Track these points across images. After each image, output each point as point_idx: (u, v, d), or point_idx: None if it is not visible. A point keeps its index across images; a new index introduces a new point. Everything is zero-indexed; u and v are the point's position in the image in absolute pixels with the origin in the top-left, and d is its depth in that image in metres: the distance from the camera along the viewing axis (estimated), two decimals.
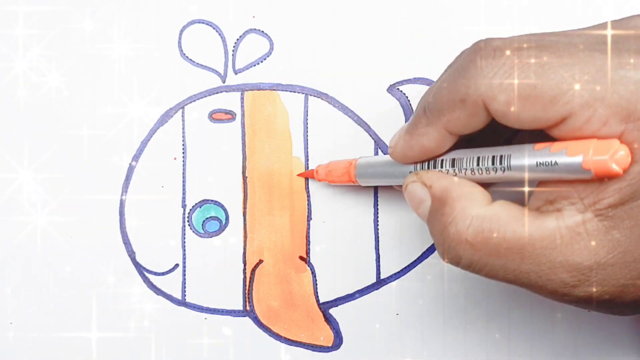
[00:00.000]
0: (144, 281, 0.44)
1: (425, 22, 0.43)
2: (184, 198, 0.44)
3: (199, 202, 0.44)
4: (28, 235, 0.44)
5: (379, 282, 0.44)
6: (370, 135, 0.44)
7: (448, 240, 0.33)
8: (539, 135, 0.32)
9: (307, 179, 0.44)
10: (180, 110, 0.44)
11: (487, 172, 0.33)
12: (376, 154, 0.44)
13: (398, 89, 0.43)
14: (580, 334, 0.44)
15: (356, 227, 0.44)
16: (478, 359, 0.44)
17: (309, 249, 0.44)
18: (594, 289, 0.31)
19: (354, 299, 0.44)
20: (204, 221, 0.44)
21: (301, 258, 0.44)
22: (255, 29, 0.44)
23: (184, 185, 0.44)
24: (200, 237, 0.44)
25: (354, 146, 0.44)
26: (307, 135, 0.44)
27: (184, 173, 0.44)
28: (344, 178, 0.41)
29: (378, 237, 0.44)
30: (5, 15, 0.44)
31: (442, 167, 0.35)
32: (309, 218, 0.44)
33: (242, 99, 0.44)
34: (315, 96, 0.44)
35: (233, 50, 0.44)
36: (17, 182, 0.44)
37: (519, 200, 0.33)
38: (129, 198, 0.44)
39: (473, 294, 0.44)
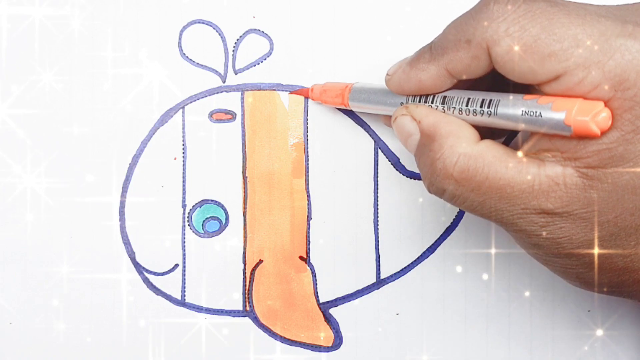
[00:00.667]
0: (144, 281, 0.44)
1: (425, 22, 0.44)
2: (184, 198, 0.44)
3: (199, 202, 0.44)
4: (28, 234, 0.44)
5: (379, 282, 0.44)
6: (370, 135, 0.44)
7: (435, 174, 0.34)
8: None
9: (307, 179, 0.44)
10: (180, 110, 0.44)
11: (475, 114, 0.34)
12: (376, 154, 0.44)
13: None
14: (580, 333, 0.44)
15: (356, 227, 0.44)
16: (478, 359, 0.44)
17: (309, 249, 0.44)
18: (560, 234, 0.33)
19: (354, 299, 0.44)
20: (204, 221, 0.44)
21: (301, 258, 0.44)
22: (255, 29, 0.44)
23: (184, 185, 0.44)
24: (200, 237, 0.44)
25: (354, 146, 0.44)
26: (307, 136, 0.44)
27: (184, 173, 0.44)
28: (337, 100, 0.42)
29: (378, 237, 0.44)
30: (9, 19, 0.44)
31: (432, 102, 0.36)
32: (309, 218, 0.44)
33: (242, 99, 0.44)
34: None
35: (233, 50, 0.44)
36: (17, 182, 0.44)
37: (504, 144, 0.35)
38: (129, 198, 0.44)
39: (473, 294, 0.44)
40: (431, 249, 0.44)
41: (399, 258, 0.44)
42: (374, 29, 0.44)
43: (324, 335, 0.44)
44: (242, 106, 0.44)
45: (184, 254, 0.44)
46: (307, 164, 0.44)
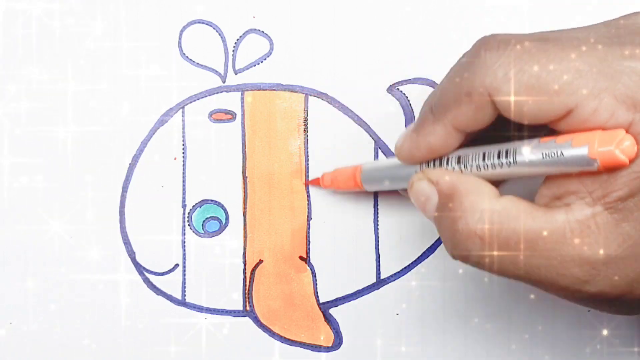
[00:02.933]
0: (144, 281, 0.44)
1: (425, 22, 0.43)
2: (184, 198, 0.44)
3: (199, 202, 0.44)
4: (28, 235, 0.44)
5: (379, 282, 0.44)
6: (370, 135, 0.44)
7: (457, 235, 0.32)
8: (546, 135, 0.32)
9: (306, 179, 0.44)
10: (180, 110, 0.44)
11: (494, 167, 0.33)
12: (376, 154, 0.44)
13: (398, 89, 0.43)
14: (580, 333, 0.44)
15: (356, 227, 0.44)
16: (478, 359, 0.44)
17: (309, 249, 0.44)
18: (606, 284, 0.31)
19: (354, 299, 0.44)
20: (204, 221, 0.44)
21: (301, 258, 0.44)
22: (255, 29, 0.44)
23: (184, 185, 0.44)
24: (200, 237, 0.44)
25: (354, 146, 0.44)
26: (307, 136, 0.44)
27: (184, 173, 0.44)
28: (349, 184, 0.41)
29: (378, 237, 0.44)
30: (6, 16, 0.44)
31: (447, 164, 0.35)
32: (309, 218, 0.44)
33: (242, 99, 0.44)
34: (315, 96, 0.44)
35: (233, 50, 0.44)
36: (17, 182, 0.44)
37: (526, 197, 0.33)
38: (129, 198, 0.44)
39: (473, 294, 0.44)
40: (431, 249, 0.44)
41: (399, 258, 0.44)
42: (374, 29, 0.44)
43: (324, 335, 0.44)
44: (242, 106, 0.44)
45: (184, 254, 0.44)
46: (307, 164, 0.44)
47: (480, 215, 0.32)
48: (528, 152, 0.32)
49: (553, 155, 0.31)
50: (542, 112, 0.31)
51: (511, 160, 0.32)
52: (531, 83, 0.30)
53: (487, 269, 0.32)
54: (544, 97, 0.30)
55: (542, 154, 0.31)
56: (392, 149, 0.43)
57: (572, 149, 0.30)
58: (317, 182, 0.43)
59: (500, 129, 0.33)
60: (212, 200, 0.44)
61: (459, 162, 0.34)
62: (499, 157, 0.33)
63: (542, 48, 0.31)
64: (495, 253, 0.32)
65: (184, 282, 0.44)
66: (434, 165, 0.35)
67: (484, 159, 0.33)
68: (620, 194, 0.30)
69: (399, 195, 0.44)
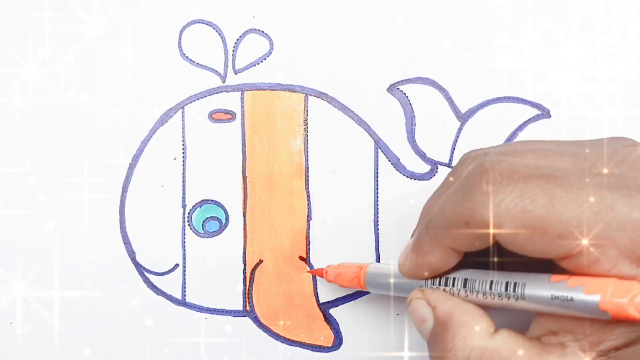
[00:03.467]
0: (144, 281, 0.44)
1: (426, 22, 0.43)
2: (184, 198, 0.44)
3: (199, 202, 0.44)
4: (27, 234, 0.44)
5: None
6: (370, 135, 0.44)
7: None
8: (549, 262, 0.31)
9: (307, 179, 0.44)
10: (180, 110, 0.44)
11: (500, 297, 0.33)
12: (376, 154, 0.44)
13: (398, 89, 0.43)
14: None
15: (356, 227, 0.44)
16: None
17: (309, 249, 0.44)
18: None
19: (354, 299, 0.44)
20: (204, 221, 0.44)
21: (301, 258, 0.44)
22: (255, 29, 0.44)
23: (184, 185, 0.44)
24: (200, 237, 0.44)
25: (354, 146, 0.44)
26: (307, 136, 0.44)
27: (184, 173, 0.44)
28: (353, 283, 0.40)
29: (378, 237, 0.44)
30: (9, 16, 0.44)
31: (453, 285, 0.34)
32: (309, 218, 0.44)
33: (242, 99, 0.44)
34: (315, 96, 0.44)
35: (233, 50, 0.44)
36: (17, 182, 0.44)
37: (523, 323, 0.33)
38: (129, 198, 0.44)
39: None
40: None
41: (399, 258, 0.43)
42: (374, 29, 0.43)
43: (324, 335, 0.44)
44: (242, 106, 0.44)
45: (184, 254, 0.44)
46: (307, 164, 0.44)
47: (471, 353, 0.32)
48: (537, 290, 0.31)
49: (563, 298, 0.30)
50: (543, 253, 0.30)
51: (518, 295, 0.32)
52: (534, 225, 0.30)
53: None
54: (546, 240, 0.30)
55: (552, 295, 0.31)
56: (392, 149, 0.43)
57: (584, 295, 0.30)
58: (320, 274, 0.42)
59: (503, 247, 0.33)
60: (212, 200, 0.44)
61: (465, 285, 0.34)
62: (506, 288, 0.32)
63: (547, 189, 0.30)
64: None
65: (184, 282, 0.44)
66: (439, 283, 0.35)
67: (490, 287, 0.33)
68: (616, 344, 0.30)
69: (399, 195, 0.43)
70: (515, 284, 0.32)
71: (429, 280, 0.36)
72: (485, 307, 0.34)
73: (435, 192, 0.37)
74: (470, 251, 0.33)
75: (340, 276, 0.41)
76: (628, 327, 0.30)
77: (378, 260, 0.43)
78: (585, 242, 0.29)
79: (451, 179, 0.36)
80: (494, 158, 0.32)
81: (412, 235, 0.37)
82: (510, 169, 0.31)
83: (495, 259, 0.34)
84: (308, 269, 0.44)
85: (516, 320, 0.35)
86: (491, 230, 0.31)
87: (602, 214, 0.29)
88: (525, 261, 0.32)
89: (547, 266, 0.32)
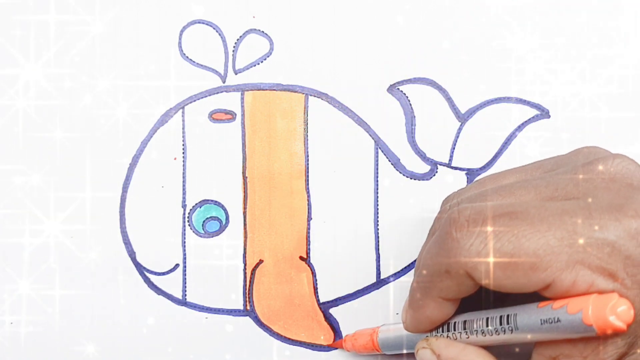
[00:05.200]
0: (145, 281, 0.44)
1: (426, 22, 0.43)
2: (184, 198, 0.44)
3: (199, 202, 0.44)
4: (28, 235, 0.44)
5: (379, 282, 0.44)
6: (370, 135, 0.44)
7: None
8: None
9: (307, 179, 0.44)
10: (180, 110, 0.44)
11: (497, 332, 0.34)
12: (376, 154, 0.44)
13: (398, 89, 0.43)
14: None
15: (356, 227, 0.44)
16: None
17: (309, 249, 0.44)
18: None
19: (354, 299, 0.44)
20: (204, 221, 0.44)
21: (301, 258, 0.44)
22: (255, 29, 0.44)
23: (184, 185, 0.44)
24: (201, 237, 0.44)
25: (354, 146, 0.44)
26: (307, 135, 0.44)
27: (184, 173, 0.44)
28: (368, 346, 0.41)
29: (378, 237, 0.44)
30: (9, 16, 0.44)
31: (455, 329, 0.36)
32: (309, 218, 0.44)
33: (242, 99, 0.44)
34: (315, 96, 0.44)
35: (233, 50, 0.44)
36: (17, 182, 0.44)
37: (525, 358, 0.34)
38: (129, 198, 0.44)
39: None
40: None
41: (399, 258, 0.44)
42: (374, 29, 0.43)
43: (324, 335, 0.44)
44: (242, 106, 0.44)
45: (184, 254, 0.44)
46: (307, 164, 0.44)
47: None
48: (527, 318, 0.32)
49: (550, 320, 0.31)
50: (521, 287, 0.31)
51: (512, 326, 0.33)
52: (505, 262, 0.31)
53: None
54: (520, 274, 0.31)
55: (541, 320, 0.31)
56: (392, 149, 0.44)
57: (568, 315, 0.30)
58: (340, 345, 0.43)
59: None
60: (212, 201, 0.44)
61: (464, 327, 0.35)
62: (500, 322, 0.33)
63: (511, 225, 0.31)
64: None
65: (184, 282, 0.44)
66: (442, 330, 0.36)
67: (487, 324, 0.34)
68: (614, 355, 0.31)
69: (399, 195, 0.44)
70: (508, 316, 0.33)
71: (433, 331, 0.37)
72: (487, 347, 0.35)
73: (425, 241, 0.39)
74: (462, 297, 0.35)
75: (357, 343, 0.42)
76: (619, 342, 0.30)
77: (378, 260, 0.44)
78: (556, 268, 0.30)
79: (432, 231, 0.38)
80: (461, 207, 0.33)
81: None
82: (475, 214, 0.32)
83: (491, 298, 0.36)
84: (308, 268, 0.44)
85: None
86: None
87: (566, 239, 0.30)
88: (519, 296, 0.33)
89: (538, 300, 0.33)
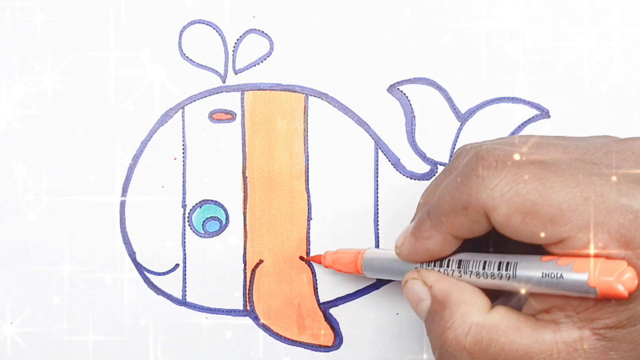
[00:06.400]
0: (144, 281, 0.44)
1: (425, 22, 0.43)
2: (184, 198, 0.44)
3: (199, 202, 0.44)
4: (28, 235, 0.44)
5: (379, 282, 0.44)
6: (370, 135, 0.44)
7: (445, 345, 0.33)
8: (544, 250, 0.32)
9: (307, 179, 0.44)
10: (180, 110, 0.44)
11: (492, 277, 0.33)
12: (376, 154, 0.44)
13: (398, 89, 0.43)
14: None
15: (356, 227, 0.44)
16: None
17: (309, 249, 0.44)
18: None
19: (354, 299, 0.44)
20: (204, 221, 0.44)
21: (301, 258, 0.44)
22: (255, 29, 0.44)
23: (184, 185, 0.44)
24: (201, 237, 0.44)
25: (354, 146, 0.44)
26: (307, 135, 0.44)
27: (184, 173, 0.44)
28: (350, 268, 0.41)
29: (378, 237, 0.44)
30: (7, 16, 0.44)
31: (448, 267, 0.35)
32: (309, 218, 0.44)
33: (242, 99, 0.44)
34: (315, 96, 0.44)
35: (233, 50, 0.44)
36: (18, 182, 0.44)
37: (517, 302, 0.34)
38: (129, 198, 0.44)
39: None
40: None
41: None
42: (374, 29, 0.43)
43: (324, 335, 0.44)
44: (242, 106, 0.44)
45: (184, 254, 0.44)
46: (307, 164, 0.44)
47: (470, 329, 0.33)
48: (528, 269, 0.32)
49: (552, 276, 0.31)
50: (535, 237, 0.31)
51: (510, 274, 0.33)
52: (526, 208, 0.31)
53: None
54: (538, 224, 0.31)
55: (542, 273, 0.31)
56: (392, 149, 0.44)
57: (573, 273, 0.30)
58: (318, 260, 0.43)
59: (501, 237, 0.33)
60: (212, 201, 0.44)
61: (459, 266, 0.35)
62: (499, 268, 0.33)
63: (540, 174, 0.31)
64: None
65: (184, 282, 0.44)
66: (434, 265, 0.36)
67: (484, 267, 0.34)
68: (609, 323, 0.31)
69: (399, 195, 0.44)
70: (507, 263, 0.33)
71: (424, 263, 0.36)
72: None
73: (431, 183, 0.39)
74: (468, 238, 0.34)
75: (337, 261, 0.41)
76: (617, 306, 0.30)
77: None
78: (575, 225, 0.30)
79: (448, 170, 0.37)
80: (489, 146, 0.33)
81: (411, 221, 0.37)
82: (504, 156, 0.32)
83: (491, 248, 0.36)
84: (308, 268, 0.44)
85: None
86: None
87: (592, 199, 0.30)
88: (519, 249, 0.33)
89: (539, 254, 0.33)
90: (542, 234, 0.31)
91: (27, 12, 0.44)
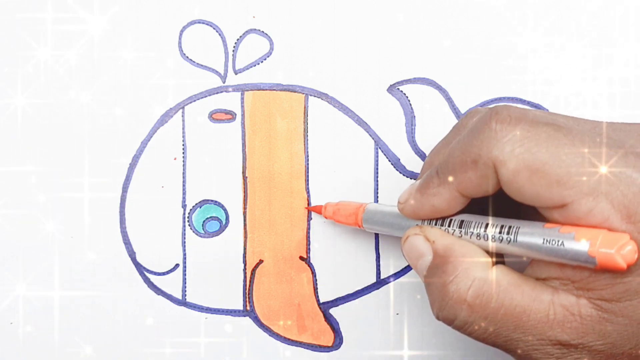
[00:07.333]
0: (144, 281, 0.44)
1: (425, 22, 0.43)
2: (184, 198, 0.44)
3: (199, 202, 0.44)
4: (28, 235, 0.44)
5: (379, 282, 0.44)
6: (370, 135, 0.44)
7: (446, 298, 0.33)
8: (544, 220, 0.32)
9: (307, 179, 0.44)
10: (180, 110, 0.44)
11: (494, 240, 0.34)
12: (376, 154, 0.44)
13: (398, 89, 0.43)
14: None
15: (356, 228, 0.44)
16: (478, 358, 0.44)
17: (309, 249, 0.44)
18: None
19: (354, 299, 0.44)
20: (204, 221, 0.44)
21: (301, 258, 0.44)
22: (255, 29, 0.44)
23: (184, 185, 0.44)
24: (201, 237, 0.44)
25: (354, 146, 0.44)
26: (307, 135, 0.44)
27: (184, 173, 0.44)
28: (350, 220, 0.41)
29: (378, 237, 0.44)
30: (8, 16, 0.44)
31: (449, 226, 0.35)
32: (309, 218, 0.44)
33: (242, 99, 0.44)
34: (315, 96, 0.44)
35: (233, 50, 0.44)
36: (18, 183, 0.44)
37: (515, 269, 0.34)
38: (129, 198, 0.44)
39: None
40: None
41: (399, 258, 0.44)
42: (374, 29, 0.43)
43: (324, 335, 0.44)
44: (242, 106, 0.44)
45: (184, 254, 0.44)
46: (307, 164, 0.44)
47: (472, 283, 0.33)
48: (530, 234, 0.32)
49: (554, 243, 0.31)
50: (539, 197, 0.31)
51: (512, 238, 0.33)
52: (536, 166, 0.31)
53: (468, 334, 0.34)
54: (544, 184, 0.31)
55: (544, 239, 0.32)
56: (392, 149, 0.44)
57: (574, 242, 0.31)
58: (318, 210, 0.43)
59: (506, 205, 0.34)
60: (212, 201, 0.44)
61: (460, 226, 0.35)
62: (500, 231, 0.33)
63: (553, 135, 0.31)
64: (482, 323, 0.33)
65: (184, 282, 0.44)
66: (435, 223, 0.36)
67: (485, 229, 0.34)
68: (604, 294, 0.31)
69: (399, 194, 0.43)
70: (509, 227, 0.33)
71: (425, 221, 0.36)
72: None
73: (439, 142, 0.39)
74: (475, 197, 0.34)
75: (338, 212, 0.42)
76: (613, 278, 0.31)
77: (378, 260, 0.44)
78: (580, 190, 0.30)
79: (457, 128, 0.37)
80: (506, 105, 0.33)
81: (417, 179, 0.37)
82: (519, 113, 0.32)
83: (491, 206, 0.35)
84: (308, 268, 0.44)
85: None
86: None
87: (599, 168, 0.31)
88: (521, 216, 0.34)
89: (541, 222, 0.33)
90: (548, 196, 0.31)
91: (27, 11, 0.44)
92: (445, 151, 0.36)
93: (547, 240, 0.31)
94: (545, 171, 0.31)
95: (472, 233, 0.34)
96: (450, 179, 0.34)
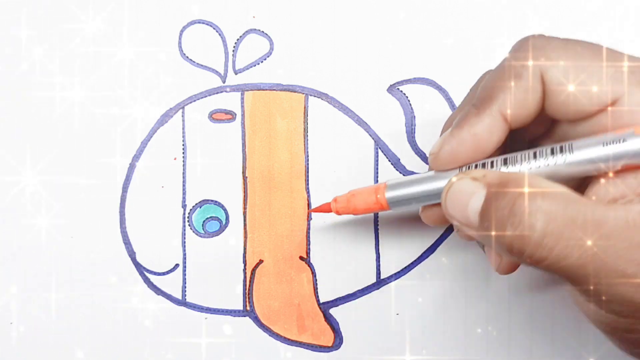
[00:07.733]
0: (144, 281, 0.44)
1: (425, 23, 0.43)
2: (184, 198, 0.44)
3: (199, 202, 0.44)
4: (29, 235, 0.44)
5: (379, 282, 0.44)
6: (370, 135, 0.44)
7: (519, 213, 0.29)
8: None
9: (307, 179, 0.44)
10: (180, 110, 0.44)
11: (547, 165, 0.31)
12: (376, 154, 0.44)
13: (398, 89, 0.43)
14: (579, 333, 0.44)
15: (356, 227, 0.44)
16: (478, 358, 0.44)
17: (309, 249, 0.44)
18: None
19: (354, 299, 0.44)
20: (204, 221, 0.44)
21: (301, 258, 0.44)
22: (255, 29, 0.44)
23: (184, 185, 0.44)
24: (201, 237, 0.44)
25: (354, 146, 0.44)
26: (307, 135, 0.44)
27: (184, 173, 0.44)
28: (370, 203, 0.37)
29: (378, 237, 0.44)
30: (8, 16, 0.44)
31: (492, 167, 0.33)
32: (309, 218, 0.44)
33: (242, 99, 0.44)
34: (315, 96, 0.44)
35: (233, 50, 0.44)
36: (19, 183, 0.44)
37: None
38: (129, 198, 0.44)
39: (473, 294, 0.44)
40: (431, 249, 0.44)
41: (399, 258, 0.44)
42: (374, 29, 0.44)
43: (324, 335, 0.44)
44: (242, 106, 0.44)
45: (184, 254, 0.44)
46: (307, 163, 0.44)
47: (544, 193, 0.29)
48: (585, 146, 0.30)
49: (614, 142, 0.30)
50: (590, 97, 0.31)
51: (568, 154, 0.31)
52: (582, 67, 0.31)
53: (548, 254, 0.30)
54: (595, 80, 0.31)
55: (604, 142, 0.30)
56: (392, 149, 0.44)
57: (636, 136, 0.29)
58: (325, 209, 0.40)
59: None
60: (212, 201, 0.44)
61: (505, 163, 0.33)
62: (552, 153, 0.31)
63: (594, 50, 0.32)
64: (561, 229, 0.29)
65: (184, 282, 0.44)
66: (475, 167, 0.34)
67: (535, 157, 0.32)
68: None
69: None
70: (561, 147, 0.31)
71: (464, 167, 0.34)
72: None
73: (470, 90, 0.38)
74: (515, 123, 0.33)
75: (353, 200, 0.38)
76: None
77: (378, 260, 0.44)
78: (630, 82, 0.30)
79: (473, 89, 0.37)
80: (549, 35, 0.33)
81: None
82: (556, 36, 0.33)
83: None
84: (308, 268, 0.44)
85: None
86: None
87: (634, 87, 0.31)
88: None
89: None
90: (591, 99, 0.30)
91: (25, 10, 0.44)
92: (466, 105, 0.34)
93: (607, 142, 0.30)
94: (592, 71, 0.31)
95: (521, 164, 0.32)
96: (493, 99, 0.32)
